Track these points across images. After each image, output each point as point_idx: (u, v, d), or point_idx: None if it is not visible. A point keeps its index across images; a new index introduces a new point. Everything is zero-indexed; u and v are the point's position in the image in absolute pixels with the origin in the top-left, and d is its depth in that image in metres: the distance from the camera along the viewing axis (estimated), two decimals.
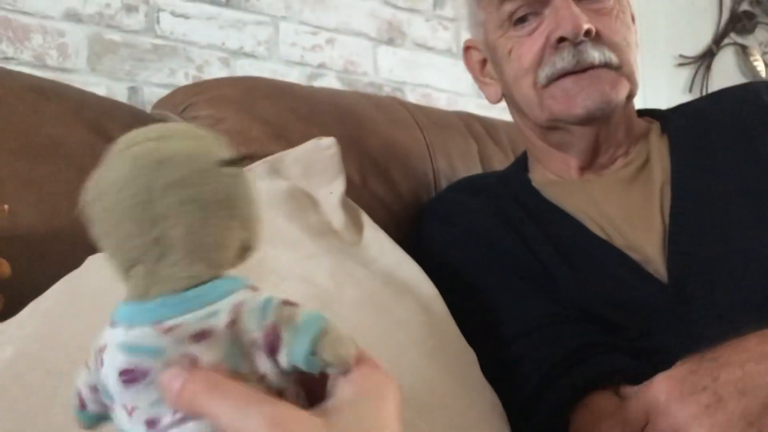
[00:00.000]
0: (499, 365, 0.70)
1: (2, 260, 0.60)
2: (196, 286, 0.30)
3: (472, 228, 0.86)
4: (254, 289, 0.32)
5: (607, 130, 0.84)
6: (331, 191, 0.75)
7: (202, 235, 0.30)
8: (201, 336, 0.29)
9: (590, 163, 0.87)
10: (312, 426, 0.28)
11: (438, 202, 0.95)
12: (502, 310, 0.75)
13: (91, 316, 0.50)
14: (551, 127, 0.85)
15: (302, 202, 0.72)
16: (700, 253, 0.73)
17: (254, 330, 0.30)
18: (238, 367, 0.29)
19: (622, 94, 0.81)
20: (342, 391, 0.30)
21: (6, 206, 0.59)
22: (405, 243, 0.81)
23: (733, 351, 0.57)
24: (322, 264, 0.62)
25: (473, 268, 0.81)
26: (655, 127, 0.90)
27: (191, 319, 0.29)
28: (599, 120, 0.81)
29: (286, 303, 0.31)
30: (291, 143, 0.82)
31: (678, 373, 0.57)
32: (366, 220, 0.77)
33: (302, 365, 0.29)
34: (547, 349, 0.69)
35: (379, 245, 0.73)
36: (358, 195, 0.89)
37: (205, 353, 0.29)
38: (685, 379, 0.56)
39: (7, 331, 0.48)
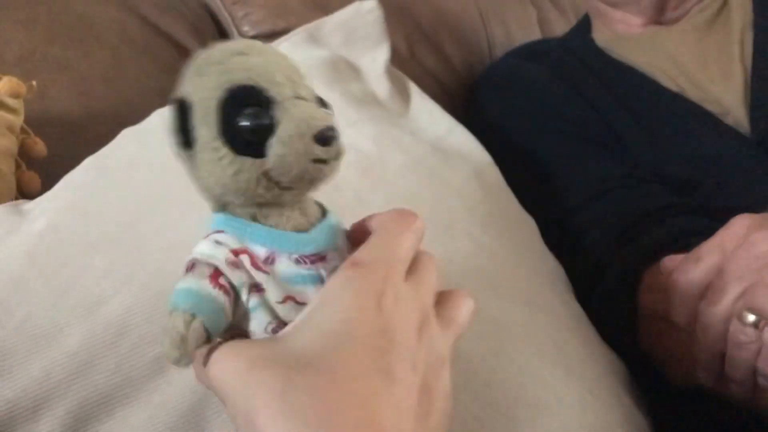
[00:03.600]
0: (565, 232, 0.66)
1: (38, 139, 0.58)
2: None
3: (532, 94, 0.80)
4: None
5: None
6: (375, 58, 0.70)
7: None
8: None
9: (658, 18, 0.78)
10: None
11: (494, 70, 0.89)
12: (567, 175, 0.70)
13: (123, 188, 0.48)
14: None
15: (343, 71, 0.67)
16: None
17: None
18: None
19: None
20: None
21: (34, 82, 0.57)
22: (459, 116, 0.77)
23: None
24: (365, 131, 0.58)
25: (534, 134, 0.76)
26: None
27: None
28: None
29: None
30: (331, 13, 0.77)
31: (759, 214, 0.51)
32: (413, 88, 0.72)
33: None
34: (617, 212, 0.64)
35: (428, 114, 0.68)
36: (405, 67, 0.83)
37: None
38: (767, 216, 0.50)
39: (40, 204, 0.46)
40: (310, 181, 0.29)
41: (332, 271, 0.29)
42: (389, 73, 0.71)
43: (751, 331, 0.47)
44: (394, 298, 0.28)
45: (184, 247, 0.43)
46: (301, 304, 0.29)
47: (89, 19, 0.70)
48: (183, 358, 0.27)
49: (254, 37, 0.80)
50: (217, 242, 0.29)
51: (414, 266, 0.31)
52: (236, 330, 0.29)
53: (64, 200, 0.46)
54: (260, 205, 0.29)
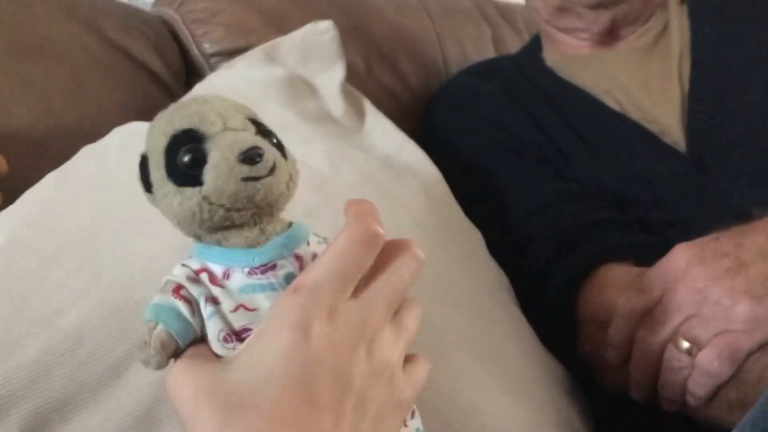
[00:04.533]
0: (509, 244, 0.70)
1: (0, 156, 0.60)
2: None
3: (482, 112, 0.83)
4: None
5: (624, 10, 0.79)
6: (331, 77, 0.73)
7: None
8: None
9: (605, 41, 0.83)
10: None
11: (447, 87, 0.92)
12: (512, 189, 0.74)
13: (81, 203, 0.50)
14: (563, 10, 0.81)
15: (299, 89, 0.70)
16: (720, 120, 0.70)
17: None
18: None
19: None
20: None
21: None
22: (414, 133, 0.80)
23: (757, 222, 0.55)
24: (318, 148, 0.60)
25: (483, 150, 0.79)
26: None
27: None
28: (613, 1, 0.77)
29: None
30: (290, 33, 0.79)
31: (699, 241, 0.55)
32: (368, 106, 0.75)
33: None
34: (558, 225, 0.68)
35: (381, 131, 0.72)
36: (362, 84, 0.86)
37: None
38: (707, 246, 0.54)
39: (0, 220, 0.48)
40: (249, 198, 0.32)
41: (284, 277, 0.33)
42: (345, 91, 0.74)
43: (685, 357, 0.51)
44: (329, 321, 0.30)
45: (139, 261, 0.46)
46: (251, 310, 0.32)
47: (51, 37, 0.72)
48: (150, 360, 0.32)
49: (214, 55, 0.83)
50: (183, 264, 0.34)
51: (373, 272, 0.33)
52: (200, 337, 0.33)
53: (23, 215, 0.48)
54: (221, 229, 0.33)
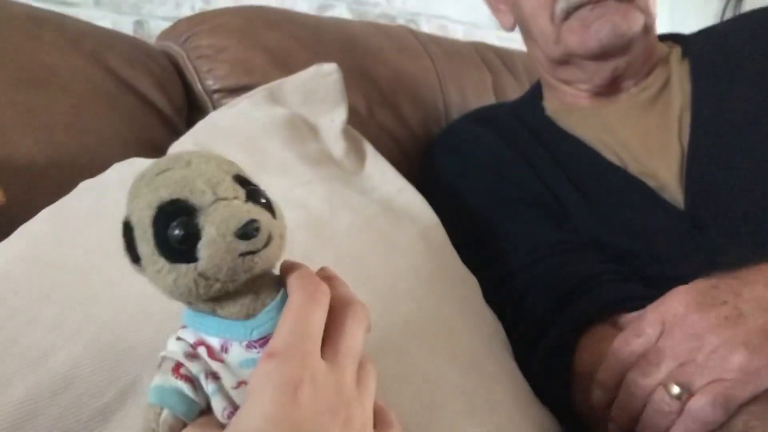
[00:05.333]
0: (506, 294, 0.69)
1: None
2: None
3: (482, 158, 0.84)
4: None
5: (625, 63, 0.81)
6: (333, 119, 0.73)
7: None
8: None
9: (606, 93, 0.84)
10: None
11: (447, 133, 0.93)
12: (510, 238, 0.74)
13: (76, 240, 0.49)
14: (564, 62, 0.82)
15: (301, 130, 0.70)
16: (718, 179, 0.71)
17: None
18: None
19: (636, 26, 0.77)
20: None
21: None
22: (414, 176, 0.80)
23: (758, 271, 0.55)
24: (317, 190, 0.60)
25: (482, 197, 0.79)
26: (676, 51, 0.86)
27: None
28: (614, 53, 0.79)
29: None
30: (294, 72, 0.80)
31: (698, 286, 0.55)
32: (369, 148, 0.76)
33: None
34: (556, 277, 0.68)
35: (381, 174, 0.72)
36: (364, 127, 0.87)
37: None
38: (706, 293, 0.54)
39: None
40: (246, 271, 0.31)
41: None
42: (346, 132, 0.74)
43: (674, 402, 0.51)
44: (311, 383, 0.30)
45: (133, 301, 0.45)
46: None
47: (55, 68, 0.72)
48: None
49: (217, 91, 0.83)
50: (179, 338, 0.33)
51: (331, 332, 0.33)
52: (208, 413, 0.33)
53: (17, 250, 0.48)
54: (213, 300, 0.32)
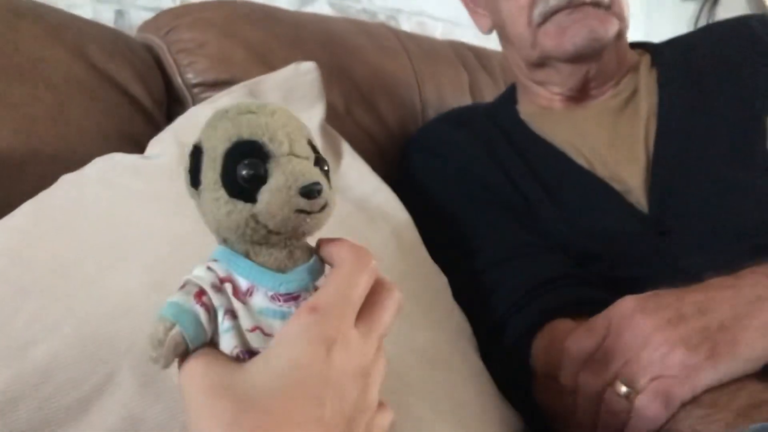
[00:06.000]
0: (473, 291, 0.72)
1: None
2: None
3: (455, 159, 0.86)
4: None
5: (597, 67, 0.83)
6: (311, 117, 0.75)
7: None
8: None
9: (578, 97, 0.87)
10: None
11: (422, 133, 0.95)
12: (479, 238, 0.76)
13: (58, 235, 0.51)
14: (540, 65, 0.85)
15: None
16: (682, 185, 0.73)
17: None
18: None
19: (611, 31, 0.80)
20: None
21: None
22: (390, 174, 0.82)
23: (697, 285, 0.59)
24: None
25: (453, 198, 0.82)
26: (646, 59, 0.89)
27: None
28: (588, 57, 0.81)
29: None
30: (274, 68, 0.81)
31: (644, 295, 0.59)
32: (346, 147, 0.77)
33: None
34: (520, 277, 0.70)
35: (357, 173, 0.73)
36: (341, 124, 0.89)
37: None
38: (650, 299, 0.58)
39: None
40: (294, 228, 0.33)
41: None
42: (324, 130, 0.76)
43: (623, 401, 0.54)
44: (343, 345, 0.32)
45: (113, 295, 0.47)
46: (267, 335, 0.33)
47: (35, 61, 0.73)
48: (159, 359, 0.32)
49: (197, 85, 0.84)
50: (209, 268, 0.34)
51: (369, 306, 0.35)
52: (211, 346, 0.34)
53: None
54: (252, 243, 0.34)
